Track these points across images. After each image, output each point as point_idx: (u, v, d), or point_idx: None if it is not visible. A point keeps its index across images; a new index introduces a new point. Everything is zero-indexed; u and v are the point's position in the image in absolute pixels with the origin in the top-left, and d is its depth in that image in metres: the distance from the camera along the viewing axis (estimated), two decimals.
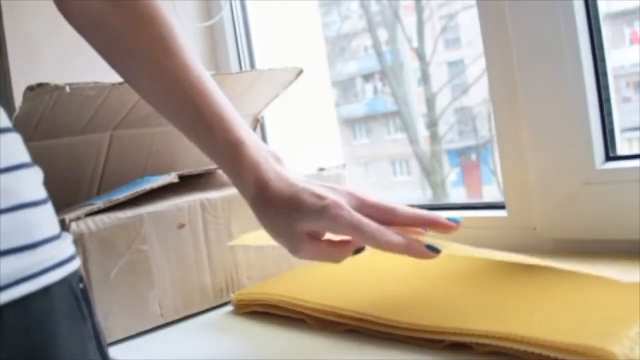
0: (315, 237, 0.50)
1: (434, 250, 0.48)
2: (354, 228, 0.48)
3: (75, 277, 0.39)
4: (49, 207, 0.38)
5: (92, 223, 0.60)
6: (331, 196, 0.49)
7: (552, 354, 0.40)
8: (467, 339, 0.45)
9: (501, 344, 0.43)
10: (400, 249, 0.48)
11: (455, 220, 0.50)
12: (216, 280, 0.68)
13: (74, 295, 0.38)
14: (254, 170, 0.52)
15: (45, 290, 0.35)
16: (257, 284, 0.69)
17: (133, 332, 0.61)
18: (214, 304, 0.68)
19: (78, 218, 0.59)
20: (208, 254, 0.67)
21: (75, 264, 0.39)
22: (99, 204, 0.61)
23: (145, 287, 0.62)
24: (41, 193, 0.38)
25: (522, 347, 0.42)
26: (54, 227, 0.38)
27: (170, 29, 0.56)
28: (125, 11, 0.56)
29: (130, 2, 0.56)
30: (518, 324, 0.44)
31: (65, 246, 0.38)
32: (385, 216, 0.50)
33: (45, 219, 0.37)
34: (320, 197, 0.49)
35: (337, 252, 0.51)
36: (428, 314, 0.49)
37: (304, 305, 0.58)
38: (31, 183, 0.37)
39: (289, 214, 0.50)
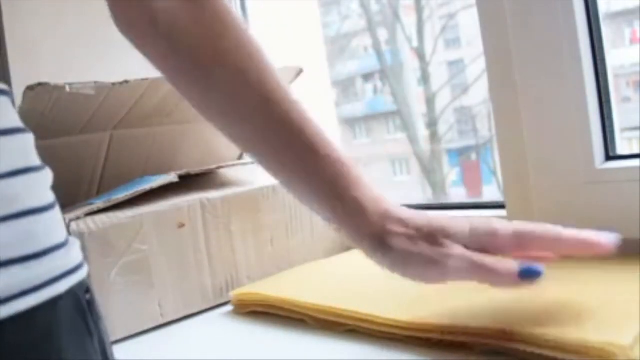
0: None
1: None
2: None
3: (82, 287, 0.36)
4: (56, 212, 0.36)
5: (92, 223, 0.60)
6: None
7: (552, 354, 0.40)
8: (466, 339, 0.45)
9: (501, 343, 0.43)
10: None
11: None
12: (216, 280, 0.68)
13: (80, 308, 0.36)
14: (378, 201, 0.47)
15: (51, 303, 0.33)
16: (257, 283, 0.69)
17: (133, 332, 0.61)
18: (214, 304, 0.67)
19: (78, 218, 0.60)
20: (208, 254, 0.67)
21: (82, 274, 0.37)
22: (99, 203, 0.61)
23: (145, 287, 0.62)
24: (49, 197, 0.36)
25: (522, 347, 0.42)
26: (61, 234, 0.36)
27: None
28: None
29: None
30: (518, 323, 0.44)
31: (73, 254, 0.36)
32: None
33: (52, 225, 0.35)
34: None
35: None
36: (428, 314, 0.49)
37: (303, 305, 0.58)
38: (39, 187, 0.35)
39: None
